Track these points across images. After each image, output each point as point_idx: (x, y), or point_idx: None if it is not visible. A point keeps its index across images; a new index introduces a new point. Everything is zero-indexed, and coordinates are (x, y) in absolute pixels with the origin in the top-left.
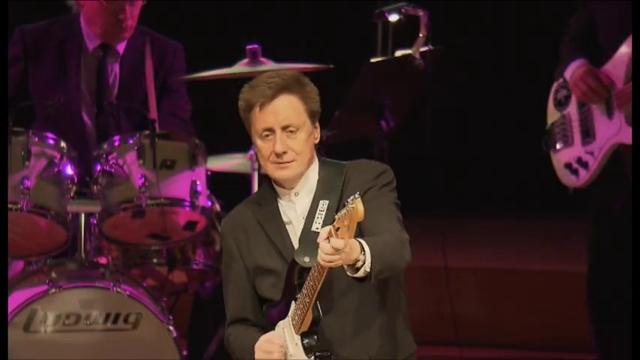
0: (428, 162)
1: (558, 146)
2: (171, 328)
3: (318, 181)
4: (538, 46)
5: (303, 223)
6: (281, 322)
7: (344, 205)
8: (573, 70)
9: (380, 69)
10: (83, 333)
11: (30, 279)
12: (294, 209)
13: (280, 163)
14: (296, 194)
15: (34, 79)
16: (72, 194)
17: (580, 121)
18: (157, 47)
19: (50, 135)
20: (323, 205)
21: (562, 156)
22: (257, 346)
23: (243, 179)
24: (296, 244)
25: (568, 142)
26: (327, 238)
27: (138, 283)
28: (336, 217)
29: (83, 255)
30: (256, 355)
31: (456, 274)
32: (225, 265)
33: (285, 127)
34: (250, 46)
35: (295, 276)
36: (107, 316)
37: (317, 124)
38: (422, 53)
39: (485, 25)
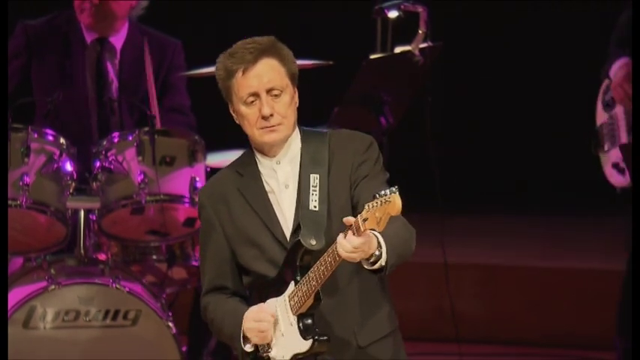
0: (427, 158)
1: (606, 147)
2: (170, 324)
3: (301, 150)
4: (538, 42)
5: (285, 192)
6: (273, 299)
7: (375, 197)
8: (615, 70)
9: (379, 65)
10: (82, 329)
11: (29, 275)
12: (276, 178)
13: (268, 127)
14: (278, 162)
15: (37, 74)
16: (71, 190)
17: (627, 119)
18: (156, 45)
19: (50, 131)
20: (315, 179)
21: (610, 156)
22: (247, 315)
23: None
24: (279, 214)
25: (615, 142)
26: (351, 230)
27: (137, 279)
28: (366, 206)
29: (82, 251)
30: (245, 324)
31: (455, 271)
32: (204, 235)
33: (269, 90)
34: None
35: (298, 257)
36: (106, 312)
37: (296, 88)
38: (421, 49)
39: (486, 20)
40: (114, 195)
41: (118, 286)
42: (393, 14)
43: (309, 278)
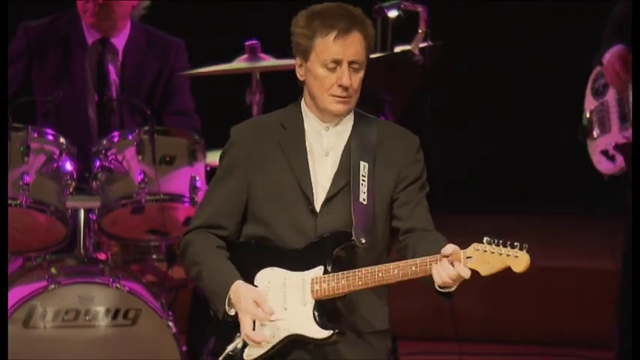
0: (426, 157)
1: (595, 134)
2: (170, 323)
3: (353, 128)
4: (536, 40)
5: (324, 159)
6: (278, 270)
7: (496, 242)
8: (610, 54)
9: (379, 65)
10: (83, 329)
11: (29, 275)
12: (320, 142)
13: (341, 97)
14: (327, 129)
15: (38, 75)
16: (71, 190)
17: (618, 107)
18: (159, 45)
19: (49, 131)
20: (364, 168)
21: (598, 143)
22: (244, 290)
23: None
24: (313, 178)
25: (605, 129)
26: (450, 258)
27: (137, 278)
28: (477, 247)
29: (82, 251)
30: (242, 299)
31: None
32: (224, 172)
33: (351, 62)
34: (249, 42)
35: (338, 248)
36: (107, 311)
37: None
38: (421, 49)
39: (485, 19)
40: (114, 194)
41: (118, 285)
42: (392, 13)
43: (354, 275)
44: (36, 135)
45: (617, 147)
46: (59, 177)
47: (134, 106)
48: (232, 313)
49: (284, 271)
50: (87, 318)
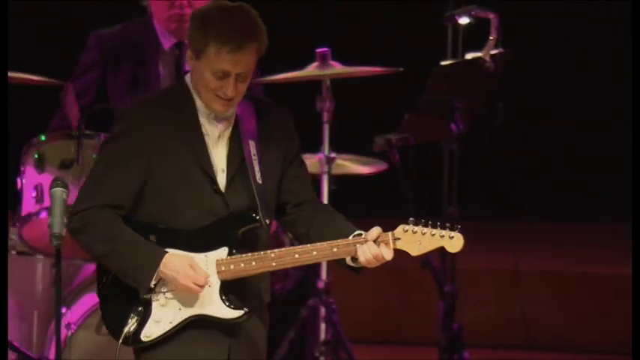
0: (497, 165)
1: None
2: None
3: (236, 109)
4: (607, 44)
5: (218, 141)
6: (181, 253)
7: (423, 222)
8: None
9: (450, 72)
10: None
11: None
12: (213, 125)
13: (225, 99)
14: (215, 116)
15: (113, 84)
16: None
17: None
18: None
19: None
20: (253, 147)
21: None
22: (176, 259)
23: (313, 180)
24: (213, 158)
25: None
26: (378, 239)
27: None
28: (405, 228)
29: None
30: (176, 267)
31: (526, 278)
32: (120, 156)
33: (239, 74)
34: (320, 50)
35: (243, 229)
36: None
37: None
38: (492, 56)
39: (557, 26)
40: None
41: None
42: (463, 21)
43: (266, 257)
44: None
45: None
46: None
47: None
48: (152, 284)
49: (184, 252)
50: None
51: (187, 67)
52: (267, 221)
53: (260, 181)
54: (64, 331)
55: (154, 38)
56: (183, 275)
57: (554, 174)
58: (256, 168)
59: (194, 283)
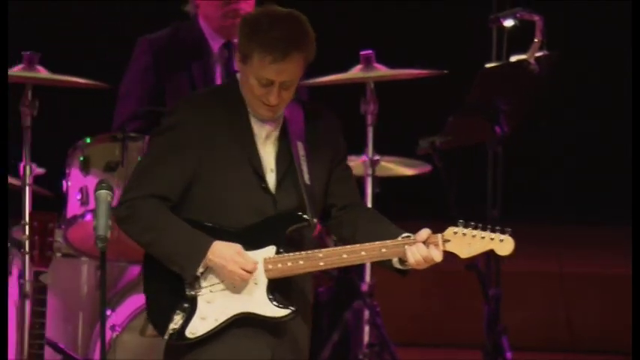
0: (544, 168)
1: None
2: None
3: (285, 112)
4: None
5: (267, 140)
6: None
7: (474, 225)
8: None
9: (495, 74)
10: None
11: None
12: (261, 126)
13: (270, 105)
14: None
15: (171, 88)
16: None
17: None
18: None
19: None
20: (301, 148)
21: None
22: (224, 246)
23: (357, 183)
24: (264, 160)
25: None
26: (427, 241)
27: None
28: (455, 230)
29: None
30: (225, 255)
31: (571, 281)
32: (173, 149)
33: (283, 82)
34: (364, 52)
35: (290, 228)
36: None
37: None
38: (537, 58)
39: (603, 28)
40: None
41: None
42: (508, 23)
43: (314, 256)
44: None
45: None
46: None
47: None
48: (199, 273)
49: (237, 245)
50: None
51: (236, 68)
52: (315, 221)
53: (308, 182)
54: (108, 333)
55: (203, 41)
56: (231, 261)
57: (600, 175)
58: (305, 169)
59: (242, 268)
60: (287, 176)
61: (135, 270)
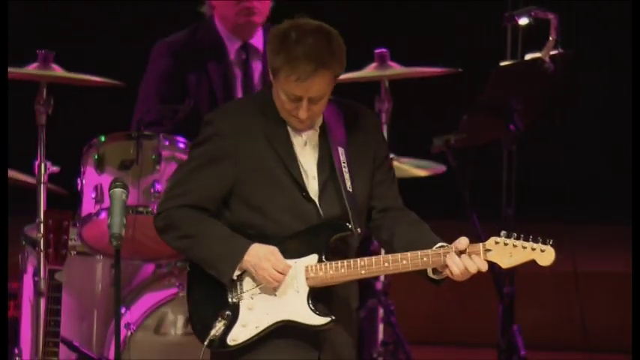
0: (557, 166)
1: None
2: None
3: (324, 114)
4: None
5: (304, 148)
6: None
7: (513, 235)
8: None
9: (509, 73)
10: None
11: (160, 282)
12: (299, 132)
13: (300, 119)
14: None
15: (194, 89)
16: None
17: None
18: None
19: (181, 139)
20: (342, 154)
21: None
22: (260, 248)
23: None
24: (304, 167)
25: None
26: (468, 250)
27: None
28: (497, 240)
29: None
30: (259, 255)
31: (585, 280)
32: (210, 160)
33: (311, 98)
34: (379, 50)
35: (335, 237)
36: None
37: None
38: (552, 57)
39: (618, 26)
40: None
41: None
42: (523, 21)
43: (355, 264)
44: (167, 143)
45: None
46: None
47: None
48: (235, 276)
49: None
50: None
51: (254, 68)
52: (359, 230)
53: (350, 189)
54: (123, 332)
55: (220, 43)
56: (264, 259)
57: (614, 175)
58: (346, 176)
59: (273, 267)
60: (329, 183)
61: (149, 268)
